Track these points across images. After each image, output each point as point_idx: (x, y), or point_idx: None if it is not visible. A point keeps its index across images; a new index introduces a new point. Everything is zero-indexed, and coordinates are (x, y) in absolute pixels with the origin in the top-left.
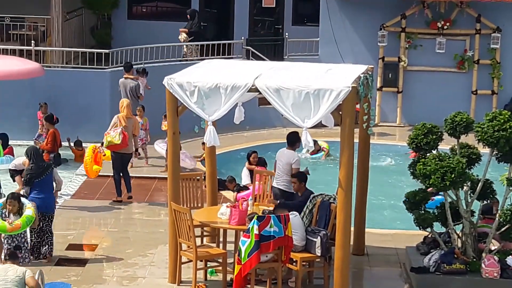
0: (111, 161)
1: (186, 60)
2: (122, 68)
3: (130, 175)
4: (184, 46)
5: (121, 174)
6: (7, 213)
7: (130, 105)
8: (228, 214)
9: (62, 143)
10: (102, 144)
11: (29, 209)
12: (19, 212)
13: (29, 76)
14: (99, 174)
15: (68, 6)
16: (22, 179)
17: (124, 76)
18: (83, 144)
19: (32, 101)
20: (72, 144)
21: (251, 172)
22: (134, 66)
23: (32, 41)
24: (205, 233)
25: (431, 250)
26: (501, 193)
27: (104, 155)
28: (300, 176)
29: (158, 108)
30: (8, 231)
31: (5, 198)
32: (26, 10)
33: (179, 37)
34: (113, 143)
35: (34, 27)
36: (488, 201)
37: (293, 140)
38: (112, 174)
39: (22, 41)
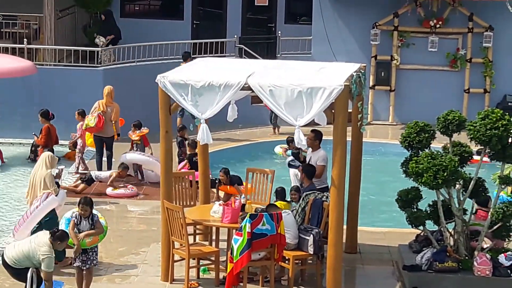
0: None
1: (180, 58)
2: (114, 66)
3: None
4: (101, 51)
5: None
6: (79, 217)
7: (111, 93)
8: (221, 212)
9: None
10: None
11: (102, 219)
12: (90, 217)
13: (21, 74)
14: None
15: (61, 4)
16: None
17: (181, 64)
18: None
19: (25, 99)
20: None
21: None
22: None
23: (25, 39)
24: (197, 231)
25: (424, 248)
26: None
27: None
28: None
29: (151, 107)
30: (87, 245)
31: (77, 203)
32: (19, 8)
33: (96, 40)
34: (89, 125)
35: (26, 25)
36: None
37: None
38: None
39: (14, 39)
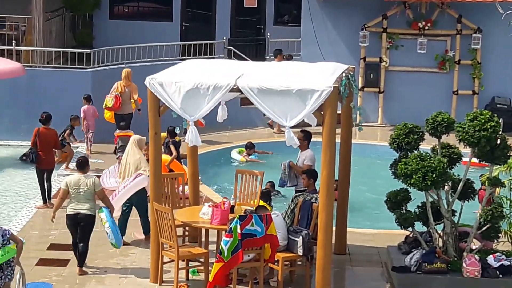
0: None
1: (169, 60)
2: (103, 68)
3: None
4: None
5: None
6: None
7: (128, 76)
8: (210, 214)
9: None
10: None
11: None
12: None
13: (10, 75)
14: None
15: (49, 6)
16: None
17: (274, 60)
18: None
19: (13, 101)
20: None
21: None
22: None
23: (13, 41)
24: (187, 233)
25: (413, 250)
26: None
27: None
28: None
29: (141, 108)
30: None
31: None
32: (7, 10)
33: None
34: (107, 105)
35: (15, 26)
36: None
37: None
38: None
39: (3, 41)
